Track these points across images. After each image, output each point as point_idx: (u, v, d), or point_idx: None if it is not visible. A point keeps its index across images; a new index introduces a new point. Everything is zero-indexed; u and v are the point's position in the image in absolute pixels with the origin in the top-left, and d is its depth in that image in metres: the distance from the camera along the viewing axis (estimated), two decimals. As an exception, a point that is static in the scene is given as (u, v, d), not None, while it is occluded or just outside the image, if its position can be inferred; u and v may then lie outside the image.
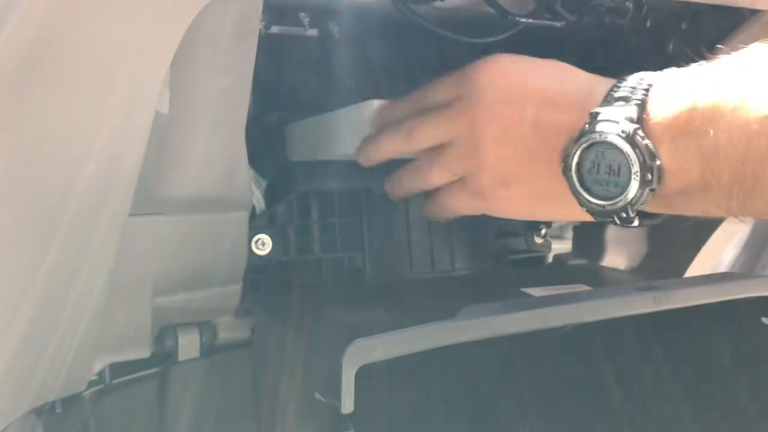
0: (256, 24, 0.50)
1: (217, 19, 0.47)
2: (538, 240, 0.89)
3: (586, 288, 0.65)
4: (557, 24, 0.63)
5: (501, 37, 0.64)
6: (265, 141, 0.76)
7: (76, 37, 0.40)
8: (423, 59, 0.84)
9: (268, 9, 0.69)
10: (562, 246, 0.92)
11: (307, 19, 0.73)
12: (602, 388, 0.74)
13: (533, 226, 0.90)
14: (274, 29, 0.73)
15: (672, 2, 0.70)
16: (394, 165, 0.75)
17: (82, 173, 0.47)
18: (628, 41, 0.84)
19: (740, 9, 0.69)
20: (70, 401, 0.66)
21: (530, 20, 0.61)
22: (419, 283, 0.77)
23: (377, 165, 0.68)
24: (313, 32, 0.76)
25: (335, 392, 0.46)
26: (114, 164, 0.47)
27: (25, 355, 0.54)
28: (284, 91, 0.78)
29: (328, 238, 0.77)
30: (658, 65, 0.81)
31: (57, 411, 0.66)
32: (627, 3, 0.67)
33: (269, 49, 0.75)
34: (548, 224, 0.90)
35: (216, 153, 0.54)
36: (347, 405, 0.46)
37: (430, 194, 0.65)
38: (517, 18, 0.61)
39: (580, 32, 0.74)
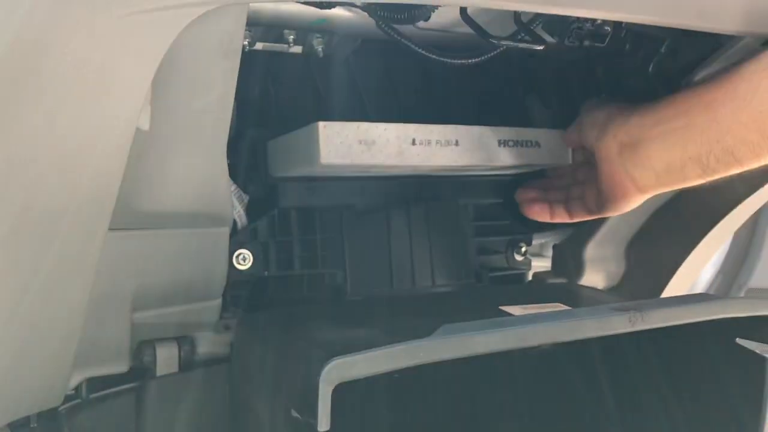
0: (238, 43, 0.51)
1: (200, 39, 0.48)
2: (519, 257, 0.90)
3: (563, 307, 0.66)
4: (537, 47, 0.63)
5: (482, 58, 0.65)
6: (248, 156, 0.76)
7: (59, 56, 0.40)
8: (406, 77, 0.85)
9: (252, 26, 0.70)
10: (541, 264, 0.93)
11: (292, 37, 0.73)
12: (580, 404, 0.75)
13: (514, 244, 0.91)
14: (259, 46, 0.74)
15: (652, 26, 0.71)
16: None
17: (63, 187, 0.47)
18: (609, 63, 0.85)
19: (717, 34, 0.70)
20: (46, 416, 0.66)
21: (510, 43, 0.62)
22: (400, 300, 0.77)
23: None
24: (297, 49, 0.76)
25: (312, 410, 0.46)
26: (94, 179, 0.47)
27: (0, 369, 0.54)
28: (267, 107, 0.78)
29: (309, 254, 0.77)
30: (640, 86, 0.83)
31: (32, 426, 0.66)
32: (606, 27, 0.68)
33: (253, 65, 0.76)
34: (528, 242, 0.91)
35: (197, 169, 0.55)
36: (323, 423, 0.46)
37: None
38: (498, 41, 0.61)
39: (561, 54, 0.76)
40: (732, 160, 0.63)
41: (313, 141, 0.66)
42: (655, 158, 0.65)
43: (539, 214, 0.77)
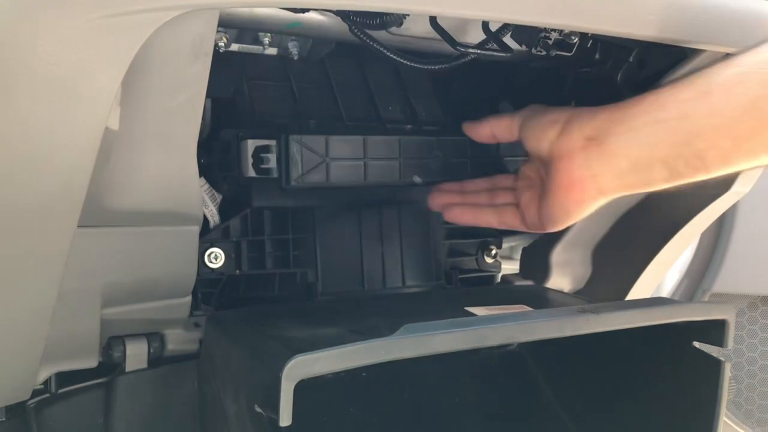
0: (210, 45, 0.52)
1: (171, 41, 0.48)
2: (489, 260, 0.92)
3: (526, 309, 0.67)
4: (505, 55, 0.65)
5: (451, 65, 0.66)
6: (221, 156, 0.77)
7: (29, 56, 0.41)
8: (379, 80, 0.86)
9: (227, 28, 0.71)
10: (511, 267, 0.94)
11: (267, 39, 0.74)
12: (542, 404, 0.77)
13: (484, 246, 0.92)
14: (234, 47, 0.75)
15: (619, 37, 0.73)
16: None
17: (31, 185, 0.47)
18: (578, 72, 0.87)
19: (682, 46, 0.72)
20: (14, 410, 0.66)
21: (478, 51, 0.63)
22: (369, 300, 0.79)
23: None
24: (272, 51, 0.77)
25: (275, 405, 0.48)
26: (62, 177, 0.47)
27: (-32, 363, 0.54)
28: (242, 108, 0.79)
29: (281, 253, 0.78)
30: (609, 95, 0.85)
31: (0, 420, 0.66)
32: (573, 37, 0.70)
33: (228, 66, 0.77)
34: (498, 245, 0.92)
35: (166, 168, 0.56)
36: (285, 419, 0.47)
37: None
38: (466, 49, 0.63)
39: (530, 63, 0.77)
40: (700, 165, 0.59)
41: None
42: (621, 155, 0.60)
43: (460, 216, 0.72)
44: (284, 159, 0.69)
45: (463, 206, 0.73)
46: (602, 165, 0.61)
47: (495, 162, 0.80)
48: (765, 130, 0.56)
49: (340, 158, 0.71)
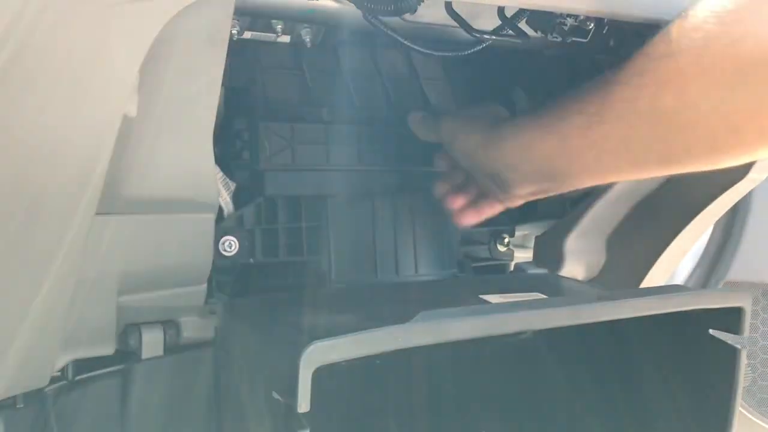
0: (226, 32, 0.52)
1: (188, 27, 0.48)
2: (501, 248, 0.92)
3: (541, 296, 0.67)
4: (521, 41, 0.65)
5: (466, 52, 0.66)
6: (235, 144, 0.77)
7: (47, 43, 0.41)
8: (391, 68, 0.86)
9: (240, 15, 0.70)
10: (523, 255, 0.94)
11: (279, 26, 0.74)
12: (556, 391, 0.77)
13: (497, 235, 0.92)
14: (247, 35, 0.75)
15: (634, 23, 0.73)
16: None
17: (49, 172, 0.48)
18: (592, 59, 0.86)
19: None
20: (32, 397, 0.67)
21: (494, 37, 0.63)
22: (383, 288, 0.79)
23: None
24: (285, 39, 0.77)
25: (292, 392, 0.48)
26: (81, 164, 0.48)
27: (-13, 350, 0.55)
28: (256, 96, 0.79)
29: (294, 241, 0.78)
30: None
31: (18, 406, 0.67)
32: (588, 23, 0.69)
33: (241, 54, 0.77)
34: (511, 233, 0.92)
35: (183, 156, 0.56)
36: (303, 405, 0.47)
37: None
38: (482, 35, 0.63)
39: (545, 50, 0.77)
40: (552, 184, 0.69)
41: None
42: (487, 171, 0.72)
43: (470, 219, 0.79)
44: (254, 144, 0.75)
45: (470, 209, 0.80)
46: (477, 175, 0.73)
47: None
48: (578, 161, 0.62)
49: (304, 143, 0.77)
